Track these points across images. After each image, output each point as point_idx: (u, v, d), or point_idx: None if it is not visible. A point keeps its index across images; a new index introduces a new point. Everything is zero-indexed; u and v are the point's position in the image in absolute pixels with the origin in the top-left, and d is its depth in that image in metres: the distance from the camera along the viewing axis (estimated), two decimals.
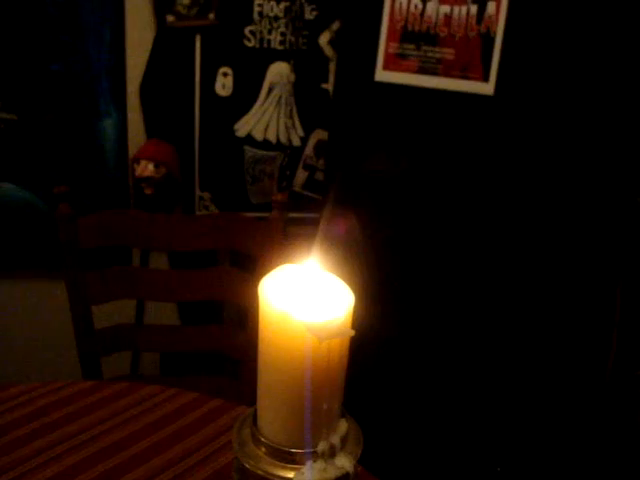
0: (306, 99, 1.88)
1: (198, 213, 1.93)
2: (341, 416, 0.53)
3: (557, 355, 1.77)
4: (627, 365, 1.84)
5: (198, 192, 1.92)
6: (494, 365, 1.79)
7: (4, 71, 1.79)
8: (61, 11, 1.76)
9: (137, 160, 1.78)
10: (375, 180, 1.74)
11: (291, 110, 1.87)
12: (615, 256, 1.77)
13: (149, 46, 1.81)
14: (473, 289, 1.76)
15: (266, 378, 0.51)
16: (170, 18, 1.77)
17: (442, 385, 1.80)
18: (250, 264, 1.51)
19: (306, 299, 0.48)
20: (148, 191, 1.77)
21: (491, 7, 1.64)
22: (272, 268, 1.32)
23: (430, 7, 1.65)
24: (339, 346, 0.48)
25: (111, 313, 1.59)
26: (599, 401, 1.83)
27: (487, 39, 1.65)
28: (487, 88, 1.66)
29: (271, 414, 0.52)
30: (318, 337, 0.46)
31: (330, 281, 0.51)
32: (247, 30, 1.82)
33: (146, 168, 1.75)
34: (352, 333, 0.47)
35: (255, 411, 0.53)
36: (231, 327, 1.65)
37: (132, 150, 1.85)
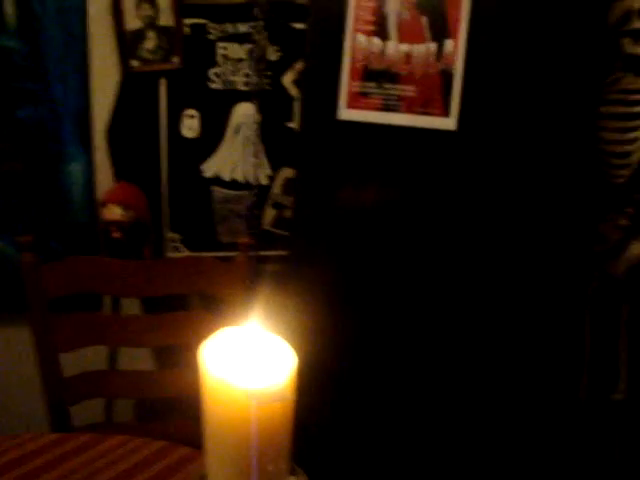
0: (272, 138, 1.90)
1: (168, 254, 1.93)
2: (290, 473, 0.53)
3: (531, 377, 1.79)
4: (602, 388, 1.85)
5: (168, 233, 1.92)
6: (470, 387, 1.79)
7: None
8: (26, 59, 1.77)
9: (105, 204, 1.77)
10: (343, 211, 1.76)
11: (257, 149, 1.89)
12: (581, 280, 1.80)
13: (115, 90, 1.82)
14: (440, 321, 1.77)
15: (212, 441, 0.51)
16: (135, 63, 1.79)
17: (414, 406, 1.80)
18: (221, 306, 1.51)
19: (247, 363, 0.48)
20: (116, 235, 1.76)
21: (449, 45, 1.68)
22: (239, 310, 1.33)
23: (390, 46, 1.69)
24: (282, 409, 0.49)
25: (82, 358, 1.57)
26: (575, 424, 1.84)
27: (447, 76, 1.68)
28: (449, 123, 1.69)
29: (220, 475, 0.52)
30: (259, 402, 0.46)
31: (272, 342, 0.51)
32: (211, 72, 1.84)
33: (114, 212, 1.75)
34: (292, 398, 0.47)
35: (204, 473, 0.53)
36: None
37: (100, 194, 1.85)
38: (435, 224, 1.75)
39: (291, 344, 0.52)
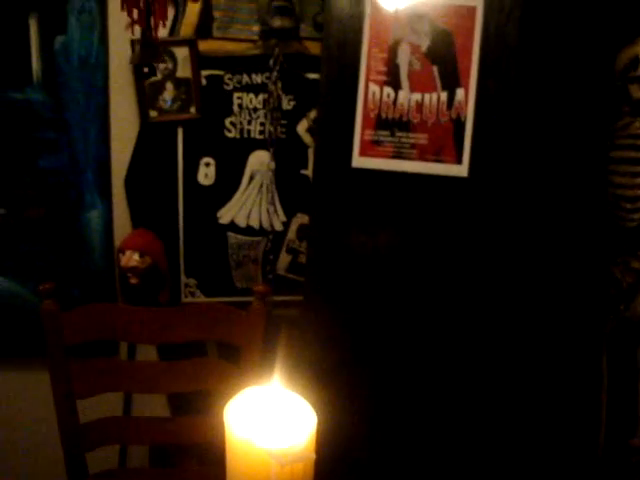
0: (287, 185, 1.93)
1: (184, 300, 1.95)
2: None
3: (548, 421, 1.77)
4: (621, 433, 1.83)
5: (184, 279, 1.95)
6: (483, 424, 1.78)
7: None
8: (49, 110, 1.83)
9: (122, 251, 1.80)
10: (357, 253, 1.78)
11: (272, 196, 1.92)
12: (597, 323, 1.79)
13: (133, 140, 1.87)
14: (457, 366, 1.77)
15: None
16: (153, 113, 1.84)
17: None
18: (238, 353, 1.52)
19: (269, 424, 0.50)
20: (134, 281, 1.79)
21: (460, 93, 1.71)
22: (255, 359, 1.34)
23: (402, 95, 1.73)
24: (303, 469, 0.50)
25: (98, 404, 1.58)
26: (593, 471, 1.82)
27: (458, 124, 1.72)
28: (461, 170, 1.72)
29: None
30: (280, 463, 0.47)
31: (294, 403, 0.53)
32: (228, 121, 1.88)
33: (131, 258, 1.78)
34: (313, 457, 0.49)
35: None
36: (219, 417, 1.64)
37: (118, 241, 1.89)
38: (448, 269, 1.76)
39: (311, 399, 0.54)
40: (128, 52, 1.79)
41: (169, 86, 1.83)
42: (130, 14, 1.11)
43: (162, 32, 1.80)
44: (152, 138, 1.87)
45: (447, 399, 1.78)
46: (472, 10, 1.69)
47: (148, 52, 1.16)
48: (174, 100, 1.84)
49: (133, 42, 1.77)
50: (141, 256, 1.78)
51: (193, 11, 1.80)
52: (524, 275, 1.74)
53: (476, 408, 1.78)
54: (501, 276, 1.74)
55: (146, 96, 1.82)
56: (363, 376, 1.79)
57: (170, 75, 1.82)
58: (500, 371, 1.76)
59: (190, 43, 1.81)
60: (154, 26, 1.14)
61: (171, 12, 1.80)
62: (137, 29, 1.20)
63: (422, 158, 1.73)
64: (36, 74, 1.80)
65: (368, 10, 1.72)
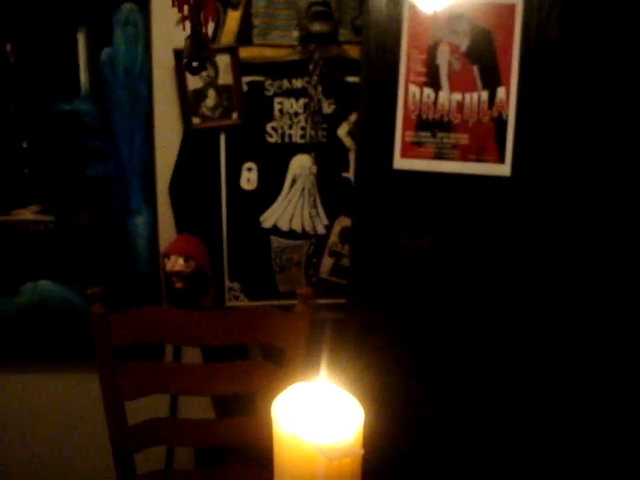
0: (328, 188, 1.94)
1: (228, 303, 1.97)
2: None
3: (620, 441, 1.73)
4: None
5: (227, 283, 1.97)
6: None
7: (45, 178, 1.90)
8: (96, 120, 1.88)
9: (167, 255, 1.84)
10: (399, 255, 1.77)
11: (314, 200, 1.93)
12: None
13: (177, 147, 1.91)
14: (499, 371, 1.75)
15: None
16: (195, 120, 1.87)
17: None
18: (282, 355, 1.54)
19: (317, 419, 0.50)
20: (179, 285, 1.82)
21: (501, 92, 1.70)
22: (299, 361, 1.35)
23: (442, 96, 1.72)
24: (350, 464, 0.50)
25: (144, 406, 1.61)
26: None
27: (500, 123, 1.70)
28: (504, 169, 1.70)
29: None
30: (328, 458, 0.48)
31: (341, 398, 0.53)
32: (269, 126, 1.90)
33: (176, 263, 1.81)
34: (361, 452, 0.49)
35: None
36: (264, 418, 1.66)
37: (163, 246, 1.92)
38: (493, 270, 1.74)
39: (357, 397, 0.54)
40: (171, 61, 1.83)
41: (211, 93, 1.86)
42: (181, 9, 1.13)
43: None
44: (195, 145, 1.90)
45: (492, 399, 1.76)
46: (511, 8, 1.68)
47: (198, 46, 1.19)
48: (216, 107, 1.87)
49: (176, 51, 1.81)
50: (186, 260, 1.81)
51: (233, 19, 1.83)
52: (573, 276, 1.71)
53: (520, 410, 1.75)
54: (548, 277, 1.71)
55: (189, 103, 1.86)
56: (409, 376, 1.78)
57: (212, 82, 1.85)
58: (551, 374, 1.73)
59: (231, 50, 1.83)
60: (204, 21, 1.16)
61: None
62: (187, 26, 1.22)
63: (464, 158, 1.72)
64: (84, 85, 1.85)
65: (406, 12, 1.72)
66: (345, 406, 0.53)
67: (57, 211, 1.93)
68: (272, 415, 0.51)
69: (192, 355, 1.93)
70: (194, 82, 1.85)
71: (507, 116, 1.70)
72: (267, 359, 1.65)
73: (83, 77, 1.85)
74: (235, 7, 1.82)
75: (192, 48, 1.20)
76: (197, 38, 1.18)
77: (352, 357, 1.71)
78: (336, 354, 1.74)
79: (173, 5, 1.11)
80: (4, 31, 1.82)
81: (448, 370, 1.78)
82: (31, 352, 2.00)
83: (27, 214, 1.93)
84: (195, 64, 1.24)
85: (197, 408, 1.99)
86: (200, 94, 1.86)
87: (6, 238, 1.93)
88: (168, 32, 1.83)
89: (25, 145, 1.89)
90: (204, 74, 1.84)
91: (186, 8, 1.12)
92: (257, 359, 1.79)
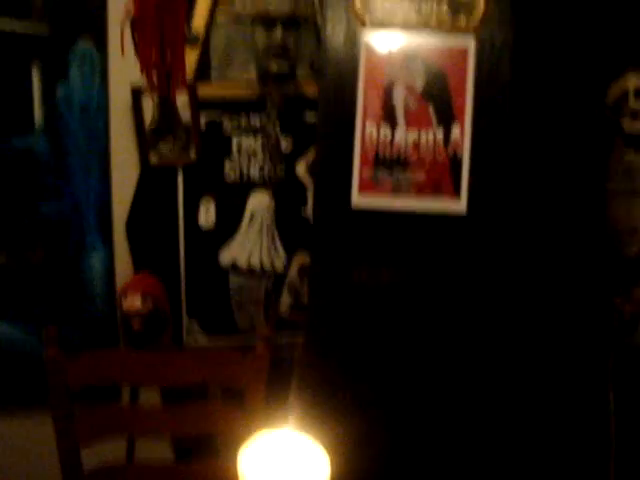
0: (287, 225, 1.95)
1: (186, 339, 1.94)
2: None
3: (559, 463, 1.75)
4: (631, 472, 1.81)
5: (186, 320, 1.95)
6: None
7: None
8: (50, 156, 1.85)
9: (124, 294, 1.80)
10: (358, 291, 1.78)
11: (273, 237, 1.93)
12: (602, 354, 1.79)
13: (134, 184, 1.89)
14: (457, 399, 1.76)
15: None
16: (153, 158, 1.86)
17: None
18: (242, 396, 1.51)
19: (283, 470, 0.50)
20: (136, 325, 1.78)
21: (456, 131, 1.74)
22: (260, 402, 1.33)
23: (399, 134, 1.75)
24: None
25: (100, 450, 1.56)
26: None
27: (455, 160, 1.74)
28: (460, 206, 1.73)
29: None
30: None
31: (307, 446, 0.53)
32: (227, 164, 1.90)
33: (133, 302, 1.77)
34: None
35: None
36: (225, 462, 1.63)
37: (119, 284, 1.89)
38: (449, 306, 1.76)
39: (322, 443, 0.54)
40: (128, 97, 1.81)
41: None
42: (149, 77, 1.12)
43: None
44: (152, 182, 1.89)
45: (457, 434, 1.77)
46: (464, 51, 1.73)
47: (166, 117, 1.18)
48: (174, 145, 1.86)
49: (133, 89, 1.80)
50: (143, 299, 1.78)
51: (191, 56, 1.84)
52: (525, 312, 1.74)
53: (487, 445, 1.76)
54: (502, 313, 1.74)
55: (146, 141, 1.85)
56: (371, 414, 1.77)
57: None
58: (506, 411, 1.75)
59: (189, 88, 1.83)
60: (172, 92, 1.15)
61: None
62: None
63: (421, 195, 1.75)
64: (38, 121, 1.82)
65: (363, 52, 1.76)
66: (311, 455, 0.52)
67: (9, 248, 1.89)
68: (238, 466, 0.50)
69: (150, 396, 1.88)
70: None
71: (462, 154, 1.74)
72: (227, 399, 1.62)
73: (37, 112, 1.82)
74: (194, 44, 1.83)
75: (160, 119, 1.18)
76: (165, 108, 1.16)
77: (312, 396, 1.70)
78: (298, 394, 1.73)
79: (141, 72, 1.10)
80: None
81: (411, 405, 1.78)
82: None
83: None
84: (163, 134, 1.23)
85: (156, 450, 1.93)
86: (158, 131, 1.85)
87: None
88: (125, 68, 1.82)
89: None
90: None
91: (155, 75, 1.11)
92: (217, 400, 1.76)
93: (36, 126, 1.82)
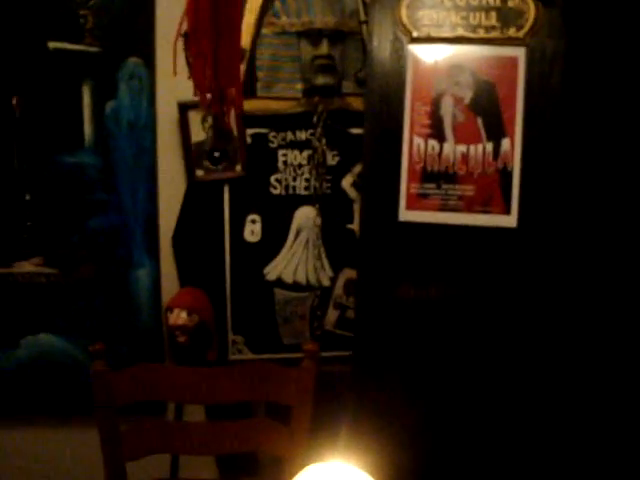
0: (333, 240, 1.92)
1: (231, 357, 1.94)
2: None
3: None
4: None
5: (231, 335, 1.94)
6: None
7: (47, 230, 1.88)
8: (99, 172, 1.88)
9: (170, 309, 1.81)
10: (406, 307, 1.74)
11: (319, 251, 1.91)
12: None
13: (180, 199, 1.90)
14: (513, 423, 1.70)
15: None
16: (199, 173, 1.87)
17: None
18: (286, 412, 1.49)
19: None
20: (181, 339, 1.78)
21: (506, 143, 1.70)
22: (306, 419, 1.30)
23: (447, 148, 1.72)
24: None
25: (144, 465, 1.56)
26: None
27: (505, 174, 1.69)
28: (510, 221, 1.69)
29: None
30: None
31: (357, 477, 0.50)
32: (273, 178, 1.90)
33: (179, 317, 1.78)
34: None
35: None
36: (270, 479, 1.61)
37: (166, 299, 1.90)
38: (499, 321, 1.71)
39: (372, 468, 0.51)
40: (175, 114, 1.83)
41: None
42: (203, 101, 1.11)
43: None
44: (199, 196, 1.90)
45: (516, 454, 1.71)
46: (514, 60, 1.69)
47: (220, 138, 1.17)
48: (220, 159, 1.87)
49: (180, 104, 1.81)
50: (189, 314, 1.78)
51: None
52: (581, 327, 1.68)
53: (550, 464, 1.70)
54: (556, 328, 1.68)
55: (192, 156, 1.86)
56: (419, 429, 1.73)
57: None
58: (566, 423, 1.68)
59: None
60: (227, 111, 1.14)
61: None
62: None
63: (469, 210, 1.71)
64: (88, 138, 1.86)
65: (409, 64, 1.73)
66: None
67: (59, 263, 1.92)
68: None
69: (195, 412, 1.88)
70: (198, 134, 1.85)
71: (512, 167, 1.69)
72: (272, 416, 1.60)
73: (87, 130, 1.85)
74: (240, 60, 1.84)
75: (215, 139, 1.18)
76: (219, 129, 1.15)
77: (359, 414, 1.67)
78: (345, 413, 1.70)
79: (195, 95, 1.09)
80: (11, 85, 1.84)
81: (462, 424, 1.73)
82: (32, 407, 1.95)
83: (29, 267, 1.91)
84: (217, 154, 1.22)
85: (200, 467, 1.92)
86: (204, 146, 1.86)
87: (7, 291, 1.91)
88: (173, 85, 1.84)
89: (28, 197, 1.88)
90: (207, 125, 1.85)
91: (209, 97, 1.10)
92: (262, 417, 1.74)
93: (86, 143, 1.86)
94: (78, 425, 1.94)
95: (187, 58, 1.51)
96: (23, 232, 1.90)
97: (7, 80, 1.84)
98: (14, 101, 1.85)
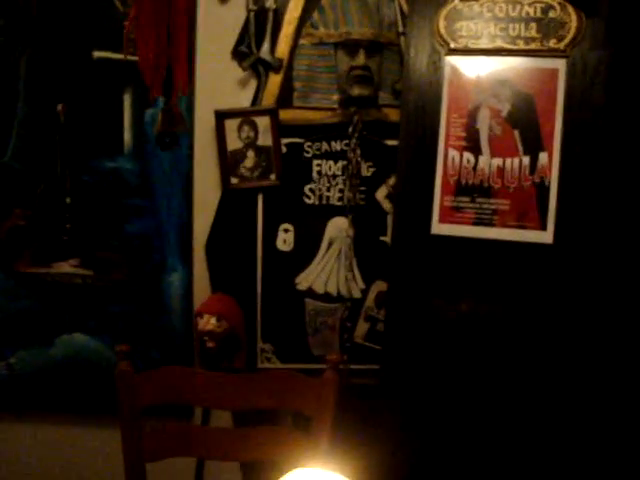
0: (365, 252, 1.91)
1: (260, 365, 1.93)
2: None
3: None
4: None
5: (260, 344, 1.94)
6: None
7: (86, 232, 1.93)
8: (137, 178, 1.91)
9: (200, 314, 1.82)
10: (437, 321, 1.72)
11: (351, 263, 1.90)
12: None
13: (215, 206, 1.92)
14: (539, 437, 1.65)
15: None
16: (234, 180, 1.88)
17: None
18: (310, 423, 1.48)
19: None
20: (210, 344, 1.79)
21: (543, 157, 1.66)
22: (326, 430, 1.29)
23: (482, 161, 1.69)
24: None
25: (167, 469, 1.57)
26: None
27: (542, 188, 1.66)
28: (546, 237, 1.65)
29: None
30: None
31: None
32: (307, 188, 1.90)
33: (208, 322, 1.79)
34: None
35: None
36: None
37: (197, 304, 1.91)
38: (532, 338, 1.67)
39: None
40: (212, 121, 1.86)
41: (250, 154, 1.88)
42: (148, 82, 1.11)
43: (245, 102, 1.87)
44: (233, 204, 1.91)
45: (548, 475, 1.66)
46: (554, 73, 1.66)
47: (169, 121, 1.16)
48: (255, 167, 1.88)
49: (217, 112, 1.84)
50: (218, 320, 1.78)
51: (274, 82, 1.86)
52: (617, 344, 1.62)
53: None
54: (589, 351, 1.63)
55: (228, 164, 1.87)
56: (446, 446, 1.70)
57: (251, 143, 1.87)
58: (601, 445, 1.62)
59: (271, 112, 1.85)
60: (174, 93, 1.14)
61: (253, 83, 1.87)
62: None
63: (504, 224, 1.68)
64: (127, 144, 1.90)
65: (447, 76, 1.72)
66: None
67: (95, 265, 1.96)
68: None
69: (222, 417, 1.88)
70: (234, 142, 1.87)
71: (549, 182, 1.66)
72: (299, 425, 1.59)
73: (127, 136, 1.90)
74: (276, 71, 1.85)
75: (163, 122, 1.17)
76: (168, 112, 1.14)
77: (386, 426, 1.64)
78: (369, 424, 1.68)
79: (141, 77, 1.09)
80: (57, 93, 1.89)
81: (490, 439, 1.69)
82: (64, 405, 1.99)
83: (66, 267, 1.96)
84: (167, 139, 1.20)
85: (224, 473, 1.92)
86: (239, 154, 1.88)
87: (45, 290, 1.96)
88: (211, 93, 1.88)
89: (68, 201, 1.93)
90: (243, 135, 1.87)
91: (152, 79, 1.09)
92: (286, 426, 1.73)
93: (125, 149, 1.90)
94: (110, 425, 1.95)
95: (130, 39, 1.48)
96: (62, 234, 1.94)
97: (53, 88, 1.90)
98: (59, 108, 1.90)
